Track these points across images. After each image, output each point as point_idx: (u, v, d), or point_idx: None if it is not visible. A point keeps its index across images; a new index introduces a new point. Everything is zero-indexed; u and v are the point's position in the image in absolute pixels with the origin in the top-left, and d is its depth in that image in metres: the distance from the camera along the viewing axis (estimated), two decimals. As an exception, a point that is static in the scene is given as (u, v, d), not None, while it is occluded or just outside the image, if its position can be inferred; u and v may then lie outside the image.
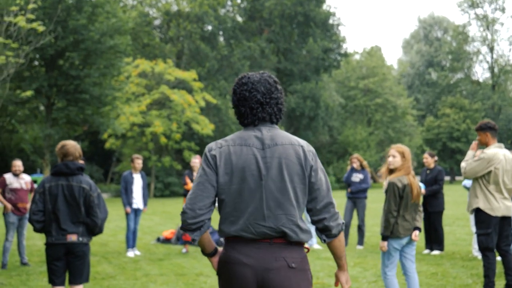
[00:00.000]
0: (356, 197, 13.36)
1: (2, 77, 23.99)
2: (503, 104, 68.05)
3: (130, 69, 39.58)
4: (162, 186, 42.88)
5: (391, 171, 6.98)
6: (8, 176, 11.26)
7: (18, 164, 11.31)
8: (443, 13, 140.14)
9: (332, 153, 58.71)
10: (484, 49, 72.16)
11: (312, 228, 12.42)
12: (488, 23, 69.89)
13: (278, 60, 53.36)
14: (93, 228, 6.33)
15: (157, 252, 13.19)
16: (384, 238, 6.80)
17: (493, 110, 68.04)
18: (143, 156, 39.34)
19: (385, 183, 6.92)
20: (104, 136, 40.18)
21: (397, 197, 6.77)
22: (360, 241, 13.40)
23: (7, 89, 26.68)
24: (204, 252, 3.61)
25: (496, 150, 8.01)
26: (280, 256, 3.36)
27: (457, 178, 69.80)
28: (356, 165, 13.52)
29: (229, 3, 53.59)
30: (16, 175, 11.23)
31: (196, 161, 12.88)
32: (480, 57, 73.05)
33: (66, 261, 6.32)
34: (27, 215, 6.41)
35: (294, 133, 53.94)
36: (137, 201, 12.74)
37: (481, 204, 7.97)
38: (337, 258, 3.61)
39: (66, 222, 6.22)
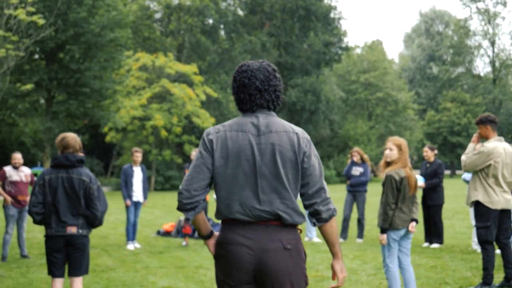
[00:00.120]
0: (356, 191, 13.36)
1: (2, 70, 23.98)
2: (504, 98, 67.98)
3: (131, 63, 39.53)
4: (162, 180, 42.87)
5: (388, 164, 6.99)
6: (8, 169, 11.26)
7: (17, 156, 11.31)
8: (444, 7, 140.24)
9: (333, 147, 58.69)
10: (486, 43, 72.09)
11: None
12: (489, 17, 69.78)
13: (279, 54, 53.30)
14: (93, 221, 6.34)
15: (157, 245, 13.21)
16: (383, 231, 6.82)
17: (494, 104, 67.99)
18: (143, 149, 39.31)
19: (383, 176, 6.95)
20: (105, 130, 40.15)
21: (395, 189, 6.79)
22: (360, 235, 13.41)
23: (7, 82, 26.66)
24: (200, 235, 3.72)
25: (496, 144, 8.01)
26: (276, 238, 3.50)
27: (458, 172, 69.82)
28: (356, 158, 13.52)
29: (230, -4, 53.57)
30: (16, 167, 11.23)
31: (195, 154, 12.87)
32: (481, 51, 72.99)
33: (66, 253, 6.33)
34: (27, 208, 6.41)
35: (294, 127, 53.84)
36: (137, 194, 12.75)
37: (481, 197, 7.98)
38: (330, 245, 3.69)
39: (66, 214, 6.23)
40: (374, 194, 22.70)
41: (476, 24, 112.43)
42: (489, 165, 7.92)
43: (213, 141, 3.57)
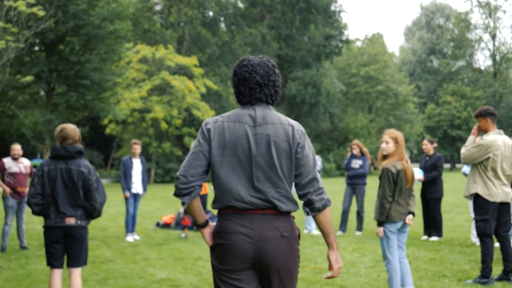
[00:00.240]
0: (355, 184, 13.37)
1: (2, 62, 23.97)
2: (504, 92, 67.92)
3: (131, 55, 39.47)
4: (162, 172, 42.88)
5: (385, 157, 7.01)
6: (7, 161, 11.26)
7: (17, 148, 11.30)
8: (445, 0, 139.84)
9: (333, 140, 58.66)
10: (486, 37, 71.96)
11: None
12: (490, 10, 69.64)
13: (279, 46, 53.22)
14: (92, 212, 6.34)
15: (156, 237, 13.23)
16: (380, 223, 6.85)
17: (494, 98, 67.93)
18: (143, 142, 39.30)
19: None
20: (105, 122, 40.13)
21: (392, 182, 6.80)
22: (359, 227, 13.43)
23: (7, 74, 26.66)
24: (196, 223, 3.83)
25: (495, 137, 8.01)
26: (273, 226, 3.63)
27: (458, 165, 69.80)
28: (356, 151, 13.52)
29: (230, -12, 53.43)
30: (15, 159, 11.23)
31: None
32: (482, 44, 72.85)
33: (65, 244, 6.33)
34: (26, 199, 6.42)
35: (294, 120, 53.66)
36: (136, 186, 12.76)
37: (480, 190, 7.98)
38: (325, 236, 3.79)
39: (65, 205, 6.23)
40: (373, 187, 22.70)
41: (477, 17, 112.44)
42: (488, 158, 7.92)
43: (210, 130, 3.69)
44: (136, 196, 12.83)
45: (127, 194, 12.63)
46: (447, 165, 69.11)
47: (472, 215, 10.84)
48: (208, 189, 13.37)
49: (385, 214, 6.80)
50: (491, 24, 70.61)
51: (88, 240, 9.05)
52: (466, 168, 11.31)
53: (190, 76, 41.60)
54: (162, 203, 22.58)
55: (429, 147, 12.50)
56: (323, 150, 55.57)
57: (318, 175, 3.76)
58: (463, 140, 60.31)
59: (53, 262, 6.35)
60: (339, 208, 15.11)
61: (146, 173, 13.03)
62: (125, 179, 12.69)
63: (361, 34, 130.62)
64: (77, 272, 6.38)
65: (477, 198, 8.04)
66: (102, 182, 6.49)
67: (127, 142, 41.85)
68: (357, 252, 10.71)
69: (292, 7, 54.43)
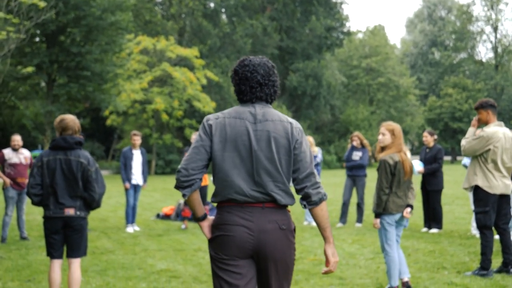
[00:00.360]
0: (356, 175, 13.38)
1: (3, 53, 23.98)
2: (506, 84, 67.86)
3: (132, 46, 39.42)
4: (163, 164, 42.91)
5: (382, 149, 7.02)
6: (7, 151, 11.26)
7: (17, 138, 11.29)
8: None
9: (334, 132, 58.63)
10: (488, 29, 71.89)
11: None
12: (492, 2, 69.50)
13: (280, 38, 53.12)
14: (91, 203, 6.34)
15: (156, 228, 13.25)
16: (377, 215, 6.88)
17: (495, 90, 67.88)
18: (144, 133, 39.33)
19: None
20: (106, 113, 40.14)
21: (389, 174, 6.82)
22: (359, 219, 13.44)
23: (8, 65, 26.68)
24: (195, 216, 3.96)
25: (496, 129, 7.99)
26: (272, 219, 3.79)
27: (458, 157, 69.78)
28: (356, 143, 13.52)
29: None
30: (15, 150, 11.23)
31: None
32: (484, 37, 72.79)
33: (64, 234, 6.33)
34: (26, 190, 6.42)
35: (295, 112, 53.89)
36: (137, 177, 12.77)
37: (480, 182, 7.98)
38: (322, 229, 3.93)
39: (64, 196, 6.23)
40: (374, 179, 22.69)
41: (479, 9, 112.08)
42: (489, 150, 7.91)
43: (212, 126, 3.83)
44: (136, 187, 12.84)
45: (127, 185, 12.65)
46: (448, 158, 69.14)
47: (473, 207, 10.86)
48: (208, 180, 13.40)
49: (382, 206, 6.83)
50: (493, 16, 70.49)
51: (88, 231, 9.07)
52: (466, 160, 11.31)
53: (191, 68, 41.56)
54: (162, 195, 22.60)
55: (429, 139, 12.49)
56: (324, 142, 55.56)
57: (315, 171, 3.92)
58: (464, 133, 60.30)
59: (52, 252, 6.36)
60: (339, 200, 15.12)
61: (146, 164, 13.03)
62: (125, 170, 12.70)
63: (363, 26, 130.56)
64: (76, 263, 6.39)
65: (477, 190, 8.04)
66: (101, 173, 6.49)
67: (128, 133, 41.83)
68: (357, 244, 10.72)
69: (293, -2, 54.34)
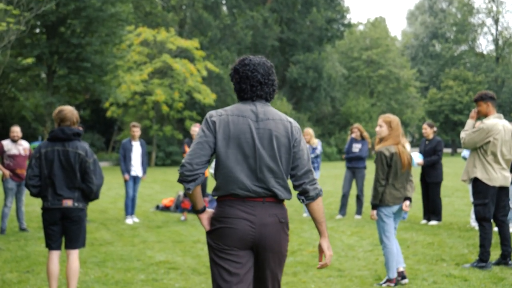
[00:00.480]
0: (355, 167, 13.39)
1: (3, 44, 23.94)
2: (507, 76, 67.79)
3: (132, 38, 39.32)
4: (163, 155, 42.87)
5: (381, 141, 7.03)
6: (6, 143, 11.25)
7: (16, 130, 11.29)
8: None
9: (334, 124, 58.56)
10: (489, 21, 71.77)
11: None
12: (493, -5, 69.36)
13: (281, 30, 52.99)
14: (89, 194, 6.33)
15: (156, 220, 13.25)
16: (373, 207, 6.91)
17: (496, 82, 67.81)
18: (144, 125, 39.31)
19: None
20: (106, 105, 40.08)
21: (385, 165, 6.83)
22: (358, 211, 13.44)
23: (8, 56, 26.62)
24: (194, 208, 4.10)
25: (495, 121, 7.99)
26: (272, 213, 3.97)
27: (459, 150, 69.72)
28: (355, 135, 13.51)
29: (232, -29, 53.14)
30: (14, 141, 11.23)
31: (195, 129, 12.89)
32: (485, 29, 72.69)
33: (62, 226, 6.33)
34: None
35: (296, 104, 53.84)
36: (136, 168, 12.78)
37: (479, 174, 7.97)
38: (318, 224, 4.12)
39: (62, 187, 6.23)
40: (373, 171, 22.75)
41: (479, 1, 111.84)
42: (488, 142, 7.90)
43: (216, 122, 3.96)
44: (135, 179, 12.85)
45: (127, 176, 12.65)
46: (448, 150, 69.13)
47: (472, 199, 10.86)
48: (208, 173, 13.39)
49: (379, 198, 6.85)
50: (494, 8, 70.35)
51: (87, 222, 9.08)
52: (466, 153, 11.31)
53: (192, 59, 41.47)
54: (162, 186, 22.61)
55: (428, 131, 12.49)
56: (324, 134, 55.51)
57: (312, 168, 4.14)
58: (464, 125, 60.27)
59: (51, 244, 6.36)
60: (339, 192, 15.12)
61: (145, 155, 13.03)
62: (124, 162, 12.71)
63: (363, 18, 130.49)
64: (74, 254, 6.39)
65: (476, 182, 8.04)
66: (99, 164, 6.49)
67: (128, 125, 41.78)
68: (356, 236, 10.73)
69: (294, -10, 54.19)
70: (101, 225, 12.23)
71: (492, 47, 74.29)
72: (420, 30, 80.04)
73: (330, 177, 26.94)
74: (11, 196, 11.23)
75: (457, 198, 17.33)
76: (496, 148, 7.91)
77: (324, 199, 17.07)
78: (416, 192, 16.11)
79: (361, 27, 67.59)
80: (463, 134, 8.18)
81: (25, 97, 39.73)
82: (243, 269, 3.95)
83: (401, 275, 7.08)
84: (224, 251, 3.94)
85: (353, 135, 13.53)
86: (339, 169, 33.73)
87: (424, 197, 12.58)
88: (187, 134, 40.79)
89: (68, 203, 6.23)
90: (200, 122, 39.91)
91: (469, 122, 8.26)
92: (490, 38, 73.72)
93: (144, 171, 13.00)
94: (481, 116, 8.26)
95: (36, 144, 34.87)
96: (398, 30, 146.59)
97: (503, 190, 8.11)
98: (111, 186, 21.63)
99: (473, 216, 11.52)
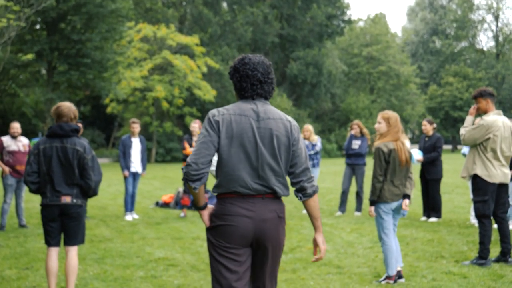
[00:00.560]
0: (355, 164, 13.38)
1: (4, 40, 23.92)
2: (507, 73, 67.75)
3: (132, 34, 39.29)
4: (163, 152, 42.87)
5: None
6: (5, 139, 11.24)
7: (16, 126, 11.28)
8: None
9: (334, 120, 58.54)
10: (489, 18, 71.78)
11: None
12: (493, -9, 69.30)
13: (281, 26, 52.93)
14: (87, 191, 6.32)
15: (155, 216, 13.24)
16: (372, 203, 6.90)
17: (496, 79, 67.77)
18: (144, 121, 39.31)
19: None
20: (106, 101, 40.06)
21: (383, 161, 6.83)
22: (358, 208, 13.43)
23: (8, 52, 26.61)
24: (196, 205, 4.18)
25: (495, 117, 7.98)
26: (272, 209, 4.08)
27: (459, 146, 69.71)
28: (355, 131, 13.50)
29: (232, -33, 53.07)
30: (14, 137, 11.22)
31: (195, 125, 12.89)
32: (485, 25, 72.64)
33: (61, 222, 6.32)
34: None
35: (296, 100, 53.79)
36: (135, 165, 12.76)
37: (479, 171, 7.96)
38: (314, 219, 4.24)
39: (60, 183, 6.22)
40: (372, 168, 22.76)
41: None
42: (488, 139, 7.89)
43: (219, 122, 4.03)
44: (135, 175, 12.84)
45: (126, 173, 12.64)
46: (448, 147, 69.13)
47: (472, 196, 10.86)
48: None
49: (377, 194, 6.85)
50: (494, 5, 70.30)
51: (87, 219, 9.07)
52: (465, 149, 11.29)
53: (192, 55, 41.46)
54: (162, 183, 22.59)
55: (428, 127, 12.47)
56: (324, 130, 55.50)
57: (310, 165, 4.16)
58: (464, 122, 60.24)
59: (49, 240, 6.35)
60: (339, 189, 15.12)
61: (145, 152, 13.02)
62: (124, 158, 12.69)
63: (364, 14, 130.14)
64: (73, 251, 6.38)
65: (476, 179, 8.02)
66: (98, 161, 6.47)
67: (128, 121, 41.78)
68: (355, 233, 10.73)
69: (294, -14, 54.12)
70: (100, 222, 12.21)
71: (492, 43, 74.34)
72: (420, 26, 79.92)
73: (329, 174, 26.94)
74: (11, 193, 11.22)
75: (457, 195, 17.33)
76: (496, 145, 7.90)
77: (324, 196, 17.07)
78: (416, 188, 16.11)
79: (361, 24, 67.50)
80: (462, 131, 8.17)
81: (25, 93, 39.75)
82: (242, 267, 4.06)
83: (398, 275, 7.07)
84: (224, 248, 4.03)
85: (353, 132, 13.52)
86: (339, 165, 33.73)
87: (423, 194, 12.57)
88: (187, 131, 40.78)
89: (66, 199, 6.22)
90: (200, 118, 39.91)
91: (468, 119, 8.25)
92: (490, 34, 73.61)
93: (144, 168, 12.99)
94: (480, 112, 8.25)
95: (36, 140, 34.85)
96: (398, 26, 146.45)
97: (503, 187, 8.11)
98: (111, 182, 21.62)
99: (473, 213, 11.52)
